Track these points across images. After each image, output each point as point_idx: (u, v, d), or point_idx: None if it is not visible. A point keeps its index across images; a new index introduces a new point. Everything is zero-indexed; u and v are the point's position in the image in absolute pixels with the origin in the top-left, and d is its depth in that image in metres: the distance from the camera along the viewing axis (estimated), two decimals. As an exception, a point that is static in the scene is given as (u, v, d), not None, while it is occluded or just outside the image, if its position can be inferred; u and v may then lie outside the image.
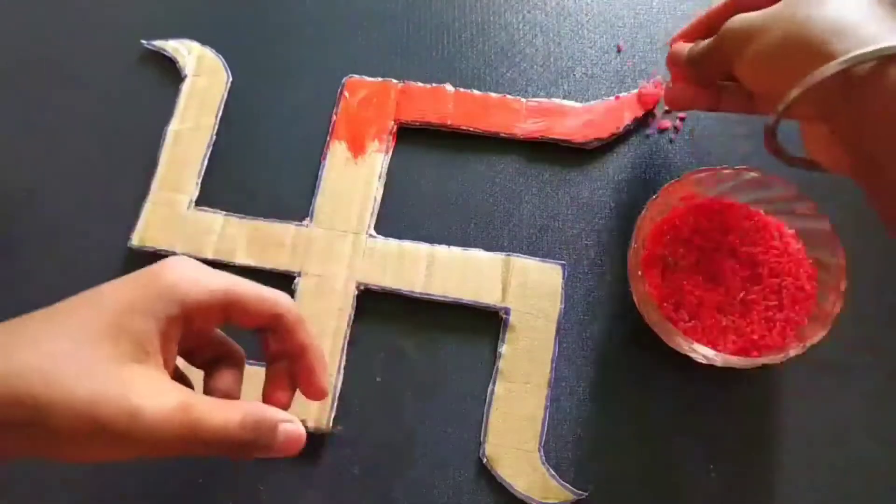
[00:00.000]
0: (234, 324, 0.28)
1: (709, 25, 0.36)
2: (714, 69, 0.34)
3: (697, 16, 0.37)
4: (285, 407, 0.29)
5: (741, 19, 0.31)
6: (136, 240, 0.41)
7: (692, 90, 0.36)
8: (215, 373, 0.30)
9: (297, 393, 0.30)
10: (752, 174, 0.36)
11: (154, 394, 0.24)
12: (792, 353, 0.32)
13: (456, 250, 0.40)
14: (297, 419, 0.27)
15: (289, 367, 0.30)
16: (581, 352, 0.39)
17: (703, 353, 0.34)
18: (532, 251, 0.41)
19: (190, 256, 0.40)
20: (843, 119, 0.28)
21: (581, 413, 0.38)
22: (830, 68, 0.26)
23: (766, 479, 0.36)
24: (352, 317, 0.39)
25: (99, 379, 0.24)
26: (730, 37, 0.31)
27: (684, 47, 0.36)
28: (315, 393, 0.30)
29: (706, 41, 0.33)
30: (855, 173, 0.30)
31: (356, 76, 0.45)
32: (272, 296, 0.28)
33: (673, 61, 0.37)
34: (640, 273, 0.35)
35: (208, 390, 0.29)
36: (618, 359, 0.39)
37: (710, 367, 0.35)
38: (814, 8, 0.28)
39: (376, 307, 0.40)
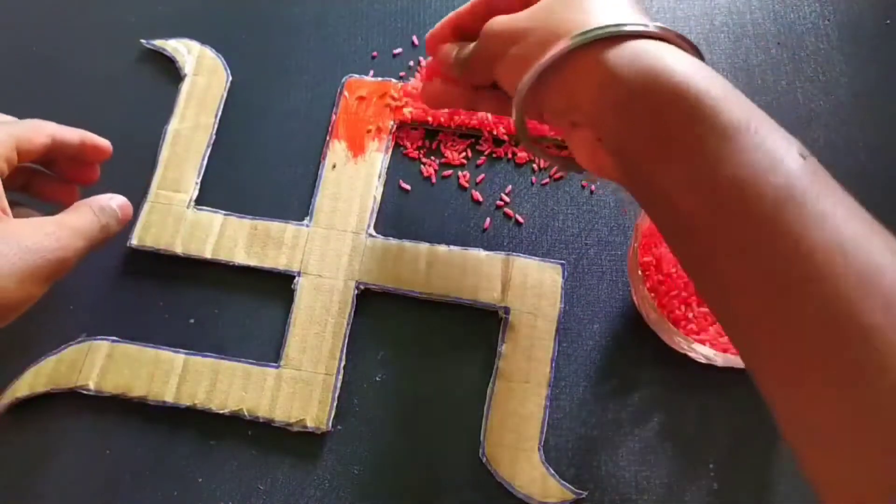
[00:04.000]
0: (23, 160, 0.32)
1: (458, 26, 0.34)
2: (483, 72, 0.32)
3: (447, 17, 0.35)
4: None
5: (502, 21, 0.30)
6: (135, 239, 0.41)
7: (453, 90, 0.35)
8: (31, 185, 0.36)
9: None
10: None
11: (33, 232, 0.30)
12: (792, 352, 0.32)
13: (456, 250, 0.40)
14: (115, 195, 0.34)
15: (69, 166, 0.36)
16: (581, 352, 0.39)
17: (703, 352, 0.34)
18: (532, 251, 0.41)
19: (189, 256, 0.41)
20: (598, 117, 0.26)
21: (581, 413, 0.38)
22: (558, 47, 0.26)
23: (765, 479, 0.36)
24: (351, 316, 0.39)
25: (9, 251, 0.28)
26: (492, 39, 0.30)
27: (451, 48, 0.34)
28: (105, 154, 0.37)
29: (472, 44, 0.32)
30: (623, 181, 0.28)
31: (356, 76, 0.45)
32: (42, 125, 0.34)
33: (442, 62, 0.34)
34: (639, 273, 0.35)
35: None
36: (618, 359, 0.39)
37: (710, 367, 0.35)
38: (570, 10, 0.27)
39: (376, 307, 0.40)
